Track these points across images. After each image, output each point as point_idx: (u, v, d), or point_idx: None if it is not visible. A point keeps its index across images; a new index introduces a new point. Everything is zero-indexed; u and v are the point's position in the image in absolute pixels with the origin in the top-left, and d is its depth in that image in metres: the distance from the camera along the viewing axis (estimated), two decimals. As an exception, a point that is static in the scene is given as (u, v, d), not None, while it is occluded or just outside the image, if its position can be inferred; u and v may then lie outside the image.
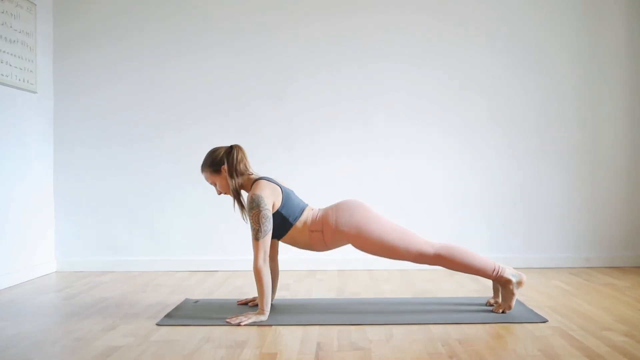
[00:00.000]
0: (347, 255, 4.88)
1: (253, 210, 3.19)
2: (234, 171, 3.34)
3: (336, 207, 3.37)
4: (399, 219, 4.86)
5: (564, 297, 3.74)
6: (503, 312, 3.27)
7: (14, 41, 4.40)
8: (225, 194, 3.43)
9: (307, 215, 3.36)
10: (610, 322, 3.11)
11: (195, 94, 4.95)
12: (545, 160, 4.93)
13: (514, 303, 3.29)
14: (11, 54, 4.35)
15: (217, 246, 4.94)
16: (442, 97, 4.94)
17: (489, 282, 4.23)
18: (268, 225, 3.21)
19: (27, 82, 4.56)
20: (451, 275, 4.55)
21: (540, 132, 4.94)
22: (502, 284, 3.31)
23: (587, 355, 2.57)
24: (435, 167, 4.94)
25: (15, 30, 4.41)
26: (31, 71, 4.60)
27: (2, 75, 4.24)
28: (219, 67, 4.95)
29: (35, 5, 4.66)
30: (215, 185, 3.41)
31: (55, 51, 4.96)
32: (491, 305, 3.45)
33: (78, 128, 4.96)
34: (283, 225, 3.32)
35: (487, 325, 3.06)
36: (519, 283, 3.30)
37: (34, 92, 4.66)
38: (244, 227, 4.91)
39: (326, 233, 3.32)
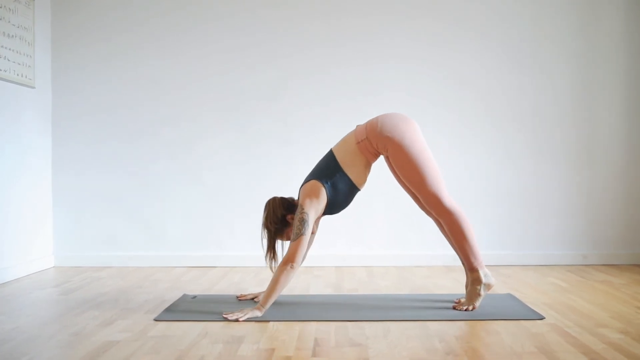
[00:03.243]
0: (344, 251, 4.90)
1: (299, 214, 3.25)
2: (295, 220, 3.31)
3: (381, 115, 3.36)
4: (395, 217, 4.92)
5: (561, 294, 3.75)
6: (466, 309, 3.25)
7: (12, 36, 4.39)
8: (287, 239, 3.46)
9: (348, 137, 3.40)
10: (606, 319, 3.12)
11: (193, 90, 4.95)
12: (541, 158, 4.94)
13: (478, 304, 3.27)
14: (9, 49, 4.34)
15: (214, 242, 4.94)
16: (437, 96, 4.94)
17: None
18: (308, 229, 3.23)
19: (25, 77, 4.55)
20: (448, 271, 4.56)
21: (536, 130, 4.94)
22: (473, 280, 3.28)
23: (583, 352, 2.58)
24: (433, 164, 4.94)
25: (14, 25, 4.41)
26: (29, 66, 4.60)
27: (0, 70, 4.23)
28: (217, 63, 4.95)
29: (34, 0, 4.65)
30: (282, 237, 3.45)
31: (54, 46, 4.95)
32: (455, 302, 3.41)
33: (76, 123, 4.96)
34: (348, 187, 3.36)
35: (484, 322, 3.07)
36: (487, 286, 3.28)
37: (32, 87, 4.66)
38: (242, 223, 4.93)
39: (372, 138, 3.29)
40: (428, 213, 3.50)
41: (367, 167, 3.40)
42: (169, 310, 3.34)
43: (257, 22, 4.94)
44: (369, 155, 3.35)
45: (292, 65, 4.94)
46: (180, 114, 4.95)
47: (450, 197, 3.31)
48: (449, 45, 4.94)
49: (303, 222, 3.22)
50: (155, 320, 3.14)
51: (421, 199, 3.33)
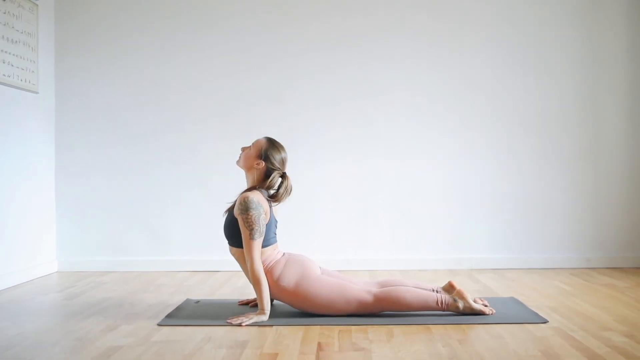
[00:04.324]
0: (348, 255, 4.90)
1: (252, 210, 3.19)
2: (264, 179, 3.33)
3: (287, 261, 3.32)
4: (399, 220, 4.92)
5: (565, 297, 3.74)
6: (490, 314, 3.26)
7: (16, 41, 4.40)
8: (241, 167, 3.42)
9: (267, 252, 3.31)
10: (610, 322, 3.11)
11: (196, 94, 4.96)
12: (545, 160, 4.94)
13: (485, 309, 3.25)
14: (13, 55, 4.36)
15: (218, 246, 4.90)
16: (442, 98, 4.94)
17: (490, 282, 4.24)
18: (263, 227, 3.22)
19: (29, 82, 4.57)
20: (452, 276, 4.55)
21: (541, 133, 4.94)
22: (454, 309, 3.25)
23: (587, 355, 2.57)
24: (436, 167, 4.94)
25: (17, 30, 4.42)
26: (33, 71, 4.61)
27: (3, 75, 4.25)
28: (220, 67, 4.95)
29: (37, 5, 4.67)
30: (250, 147, 3.40)
31: (57, 51, 4.97)
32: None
33: (79, 128, 4.97)
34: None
35: (488, 326, 3.07)
36: (461, 297, 3.23)
37: (36, 93, 4.67)
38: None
39: (270, 282, 3.26)
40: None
41: (246, 272, 3.36)
42: (172, 315, 3.34)
43: (260, 25, 4.95)
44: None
45: (296, 68, 4.95)
46: (184, 117, 4.96)
47: (369, 288, 3.27)
48: (455, 47, 4.94)
49: (262, 219, 3.21)
50: (159, 325, 3.14)
51: (353, 314, 3.26)
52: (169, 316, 3.31)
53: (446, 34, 4.95)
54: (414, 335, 2.90)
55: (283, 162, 3.39)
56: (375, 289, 3.28)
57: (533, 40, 4.94)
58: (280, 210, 4.90)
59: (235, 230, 3.29)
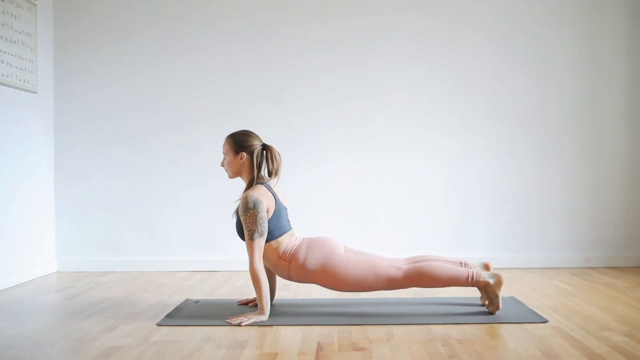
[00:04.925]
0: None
1: (250, 210, 3.19)
2: (253, 165, 3.33)
3: (308, 245, 3.34)
4: (399, 220, 4.92)
5: (564, 297, 3.74)
6: (491, 313, 3.26)
7: (15, 41, 4.40)
8: (225, 170, 3.42)
9: (285, 240, 3.33)
10: (610, 322, 3.11)
11: (195, 94, 4.96)
12: (545, 160, 4.94)
13: (500, 302, 3.27)
14: (12, 55, 4.35)
15: (217, 246, 4.94)
16: (442, 98, 4.94)
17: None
18: (265, 226, 3.21)
19: (28, 82, 4.56)
20: (451, 275, 4.55)
21: (540, 132, 4.94)
22: (482, 288, 3.29)
23: (587, 355, 2.57)
24: (436, 167, 4.94)
25: (16, 30, 4.42)
26: (31, 72, 4.61)
27: (2, 75, 4.24)
28: (219, 67, 4.95)
29: (36, 5, 4.67)
30: (225, 156, 3.40)
31: (56, 52, 4.96)
32: (484, 305, 3.45)
33: (78, 128, 4.97)
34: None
35: (488, 326, 3.07)
36: (498, 282, 3.26)
37: (35, 93, 4.67)
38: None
39: (292, 267, 3.29)
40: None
41: (269, 263, 3.37)
42: (172, 315, 3.34)
43: (259, 25, 4.95)
44: (278, 269, 3.34)
45: (296, 68, 4.94)
46: (184, 118, 4.96)
47: (398, 264, 3.30)
48: (454, 47, 4.94)
49: (263, 219, 3.20)
50: (159, 325, 3.14)
51: (383, 290, 3.33)
52: (168, 316, 3.31)
53: (446, 34, 4.94)
54: (413, 335, 2.90)
55: (255, 137, 3.39)
56: (404, 265, 3.30)
57: (533, 40, 4.94)
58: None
59: None
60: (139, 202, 4.96)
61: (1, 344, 2.85)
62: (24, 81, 4.51)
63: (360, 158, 4.93)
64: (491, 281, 3.26)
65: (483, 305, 3.47)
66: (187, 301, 3.69)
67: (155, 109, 4.96)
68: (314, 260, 3.28)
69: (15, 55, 4.39)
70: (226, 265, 4.89)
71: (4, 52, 4.27)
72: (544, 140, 4.94)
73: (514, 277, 4.44)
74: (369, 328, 3.04)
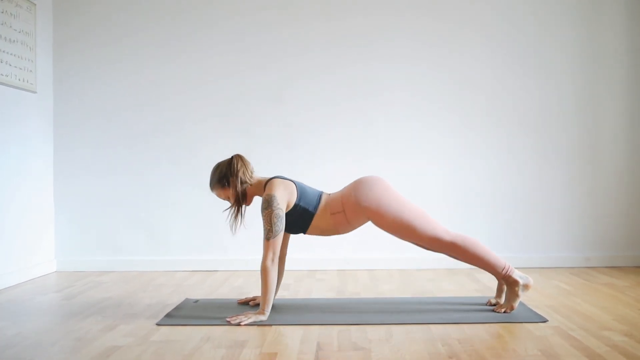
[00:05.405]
0: (347, 255, 4.89)
1: (266, 210, 3.20)
2: (237, 181, 3.34)
3: (354, 185, 3.36)
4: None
5: (564, 296, 3.74)
6: (505, 312, 3.27)
7: (14, 41, 4.40)
8: (245, 205, 3.43)
9: (325, 201, 3.36)
10: (610, 321, 3.11)
11: (195, 93, 4.95)
12: (545, 159, 4.94)
13: (517, 305, 3.29)
14: (11, 54, 4.35)
15: (217, 246, 4.94)
16: (442, 97, 4.94)
17: (490, 282, 4.23)
18: (280, 225, 3.20)
19: (27, 82, 4.56)
20: (451, 275, 4.55)
21: (540, 132, 4.94)
22: (509, 284, 3.31)
23: (587, 355, 2.57)
24: (436, 167, 4.94)
25: (15, 30, 4.41)
26: (31, 71, 4.61)
27: (1, 75, 4.24)
28: (219, 67, 4.95)
29: (35, 5, 4.66)
30: (228, 199, 3.41)
31: (55, 51, 4.96)
32: (492, 305, 3.45)
33: (78, 128, 4.97)
34: (305, 216, 3.33)
35: (487, 325, 3.06)
36: (526, 286, 3.29)
37: (34, 92, 4.66)
38: (244, 227, 4.91)
39: (348, 212, 3.32)
40: (436, 251, 3.47)
41: (330, 231, 3.40)
42: (171, 314, 3.34)
43: (259, 25, 4.95)
44: (339, 226, 3.37)
45: (296, 67, 4.94)
46: (183, 117, 4.95)
47: (447, 230, 3.31)
48: (454, 47, 4.93)
49: (278, 217, 3.20)
50: (158, 324, 3.14)
51: (422, 246, 3.37)
52: (167, 316, 3.31)
53: (446, 33, 4.94)
54: (413, 335, 2.90)
55: (218, 167, 3.41)
56: (454, 233, 3.30)
57: (533, 40, 4.94)
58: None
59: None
60: (139, 201, 4.95)
61: (0, 343, 2.84)
62: (24, 81, 4.51)
63: (360, 158, 4.93)
64: (521, 281, 3.28)
65: (488, 304, 3.46)
66: (186, 301, 3.69)
67: (155, 108, 4.96)
68: (368, 197, 3.29)
69: (14, 55, 4.39)
70: (225, 265, 4.89)
71: (4, 51, 4.26)
72: (543, 140, 4.94)
73: (514, 277, 4.44)
74: (368, 328, 3.04)
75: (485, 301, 3.55)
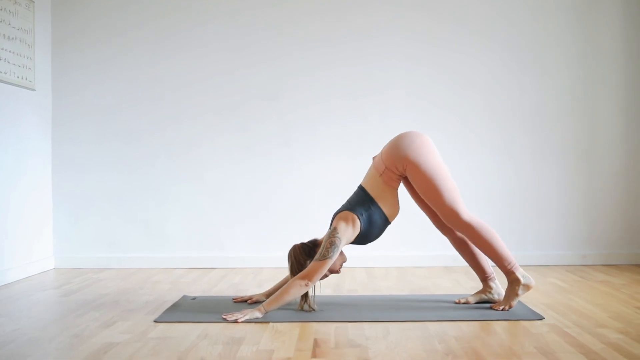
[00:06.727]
0: (344, 252, 4.89)
1: (335, 234, 3.24)
2: (318, 249, 3.33)
3: (394, 139, 3.41)
4: (396, 218, 4.91)
5: (560, 294, 3.75)
6: (502, 310, 3.28)
7: (12, 38, 4.40)
8: (339, 267, 3.43)
9: (370, 180, 3.39)
10: (605, 319, 3.12)
11: (192, 90, 4.96)
12: (541, 158, 4.95)
13: (515, 303, 3.29)
14: (9, 51, 4.35)
15: (215, 243, 4.95)
16: (438, 96, 4.95)
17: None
18: (332, 256, 3.21)
19: (26, 79, 4.56)
20: (448, 272, 4.57)
21: (536, 131, 4.95)
22: (510, 282, 3.30)
23: (582, 352, 2.58)
24: (433, 164, 4.94)
25: (14, 27, 4.41)
26: (29, 68, 4.61)
27: (0, 72, 4.24)
28: (217, 63, 4.95)
29: (34, 2, 4.66)
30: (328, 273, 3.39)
31: (54, 48, 4.96)
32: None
33: (76, 125, 4.97)
34: (382, 220, 3.39)
35: (484, 323, 3.08)
36: (527, 287, 3.28)
37: (32, 89, 4.66)
38: (242, 224, 4.94)
39: (390, 166, 3.33)
40: (444, 231, 3.52)
41: (397, 196, 3.43)
42: (169, 311, 3.35)
43: (256, 22, 4.95)
44: (393, 183, 3.38)
45: (293, 64, 4.95)
46: (181, 114, 4.96)
47: (468, 211, 3.32)
48: (450, 45, 4.94)
49: (333, 245, 3.22)
50: (156, 321, 3.15)
51: (439, 215, 3.36)
52: (165, 312, 3.32)
53: (443, 32, 4.95)
54: (410, 332, 2.91)
55: (290, 255, 3.37)
56: (473, 216, 3.31)
57: (530, 39, 4.95)
58: (276, 206, 4.92)
59: None
60: (137, 198, 4.96)
61: (-2, 340, 2.85)
62: (22, 78, 4.51)
63: (355, 155, 4.93)
64: (523, 280, 3.28)
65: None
66: (184, 298, 3.70)
67: (152, 104, 4.96)
68: (410, 147, 3.30)
69: (13, 52, 4.39)
70: (223, 262, 4.90)
71: (2, 49, 4.26)
72: (540, 138, 4.95)
73: (511, 275, 4.45)
74: (365, 325, 3.05)
75: (484, 300, 3.52)
